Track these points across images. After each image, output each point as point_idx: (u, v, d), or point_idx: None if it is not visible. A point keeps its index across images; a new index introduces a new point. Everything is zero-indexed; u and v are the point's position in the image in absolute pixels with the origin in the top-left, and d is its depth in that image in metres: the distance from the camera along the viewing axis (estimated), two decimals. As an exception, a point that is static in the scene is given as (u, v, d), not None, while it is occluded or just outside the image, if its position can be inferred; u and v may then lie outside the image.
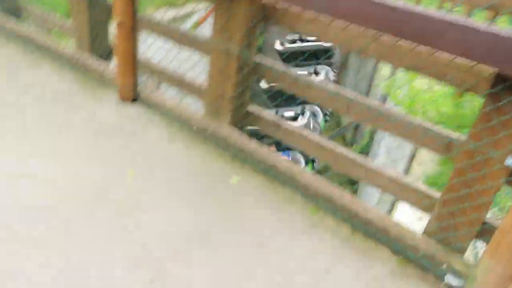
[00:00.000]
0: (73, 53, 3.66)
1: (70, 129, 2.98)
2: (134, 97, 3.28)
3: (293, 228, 2.41)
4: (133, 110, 3.22)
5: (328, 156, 2.74)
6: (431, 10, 1.85)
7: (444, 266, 2.19)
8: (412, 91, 7.40)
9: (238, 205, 2.53)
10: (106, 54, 3.71)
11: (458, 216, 2.15)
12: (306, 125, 9.81)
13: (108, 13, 3.61)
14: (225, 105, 2.91)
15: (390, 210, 6.19)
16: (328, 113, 11.65)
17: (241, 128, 2.99)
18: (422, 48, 2.09)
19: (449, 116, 6.44)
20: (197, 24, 8.03)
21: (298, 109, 9.88)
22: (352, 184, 9.52)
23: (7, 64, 3.66)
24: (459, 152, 2.11)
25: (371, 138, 9.63)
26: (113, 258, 2.12)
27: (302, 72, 7.88)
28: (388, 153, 7.83)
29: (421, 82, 7.40)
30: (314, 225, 2.42)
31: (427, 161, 6.22)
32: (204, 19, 8.09)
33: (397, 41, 2.16)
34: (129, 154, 2.82)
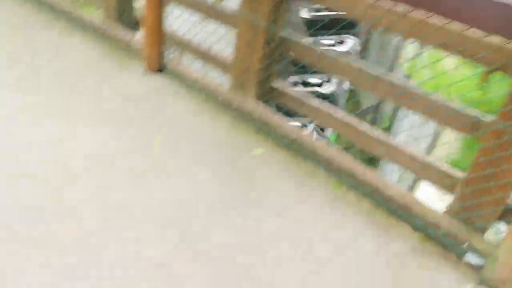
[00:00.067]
0: (101, 23, 3.70)
1: (97, 97, 3.05)
2: (160, 68, 3.31)
3: (315, 202, 2.44)
4: (159, 81, 3.26)
5: (351, 133, 2.75)
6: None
7: (465, 245, 2.20)
8: (436, 73, 7.24)
9: (261, 176, 2.56)
10: (133, 25, 3.73)
11: (483, 195, 2.15)
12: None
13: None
14: (250, 78, 2.92)
15: (410, 189, 6.19)
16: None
17: (265, 102, 3.01)
18: (453, 25, 2.06)
19: (474, 101, 6.32)
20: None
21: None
22: (371, 164, 9.46)
23: (24, 24, 3.80)
24: (487, 132, 2.10)
25: (391, 123, 9.54)
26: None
27: (327, 41, 7.79)
28: (411, 132, 7.74)
29: (447, 64, 7.24)
30: (337, 199, 2.45)
31: (451, 141, 6.12)
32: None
33: (428, 17, 2.13)
34: (155, 124, 2.87)
